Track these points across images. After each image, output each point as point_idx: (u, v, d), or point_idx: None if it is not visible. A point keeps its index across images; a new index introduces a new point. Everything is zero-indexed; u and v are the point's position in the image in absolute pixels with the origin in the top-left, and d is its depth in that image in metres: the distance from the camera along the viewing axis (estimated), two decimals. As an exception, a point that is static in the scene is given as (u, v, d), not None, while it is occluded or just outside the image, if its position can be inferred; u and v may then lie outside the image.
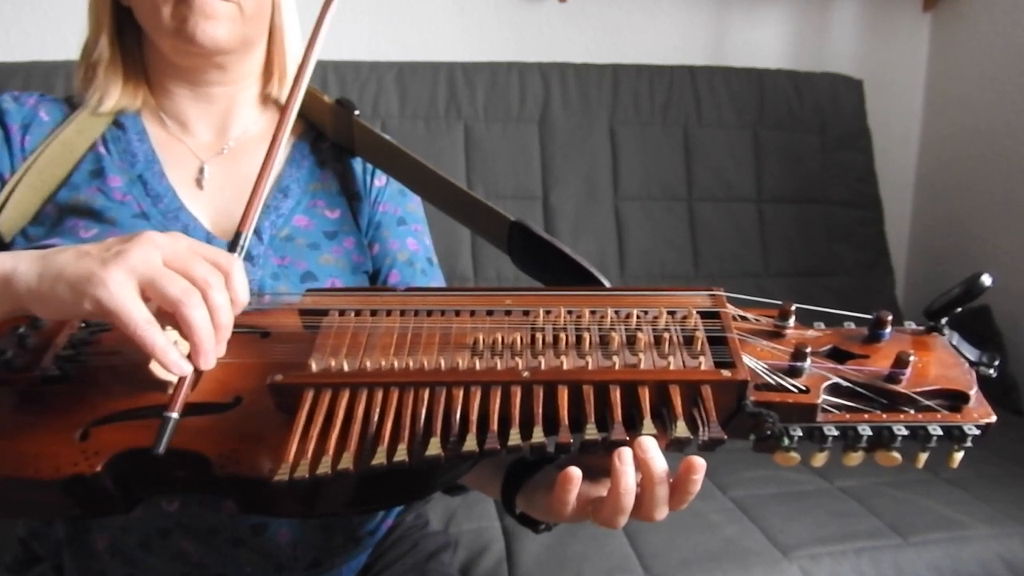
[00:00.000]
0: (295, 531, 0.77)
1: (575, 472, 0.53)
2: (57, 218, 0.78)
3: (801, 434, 0.53)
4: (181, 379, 0.55)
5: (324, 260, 0.83)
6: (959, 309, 0.58)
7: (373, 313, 0.62)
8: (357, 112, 0.89)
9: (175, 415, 0.53)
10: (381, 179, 0.93)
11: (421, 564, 0.91)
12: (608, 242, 1.90)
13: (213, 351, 0.55)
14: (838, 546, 1.16)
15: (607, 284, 0.71)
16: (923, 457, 0.54)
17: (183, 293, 0.52)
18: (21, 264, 0.54)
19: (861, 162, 2.08)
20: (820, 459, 0.54)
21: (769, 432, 0.52)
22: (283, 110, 0.75)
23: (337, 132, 0.91)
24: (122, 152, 0.82)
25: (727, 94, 1.99)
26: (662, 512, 0.55)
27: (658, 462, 0.52)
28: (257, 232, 0.80)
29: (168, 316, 0.53)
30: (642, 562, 1.12)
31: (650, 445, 0.52)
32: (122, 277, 0.51)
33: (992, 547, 1.19)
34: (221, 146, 0.86)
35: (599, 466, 0.57)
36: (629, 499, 0.53)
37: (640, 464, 0.52)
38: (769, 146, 2.01)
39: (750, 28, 2.18)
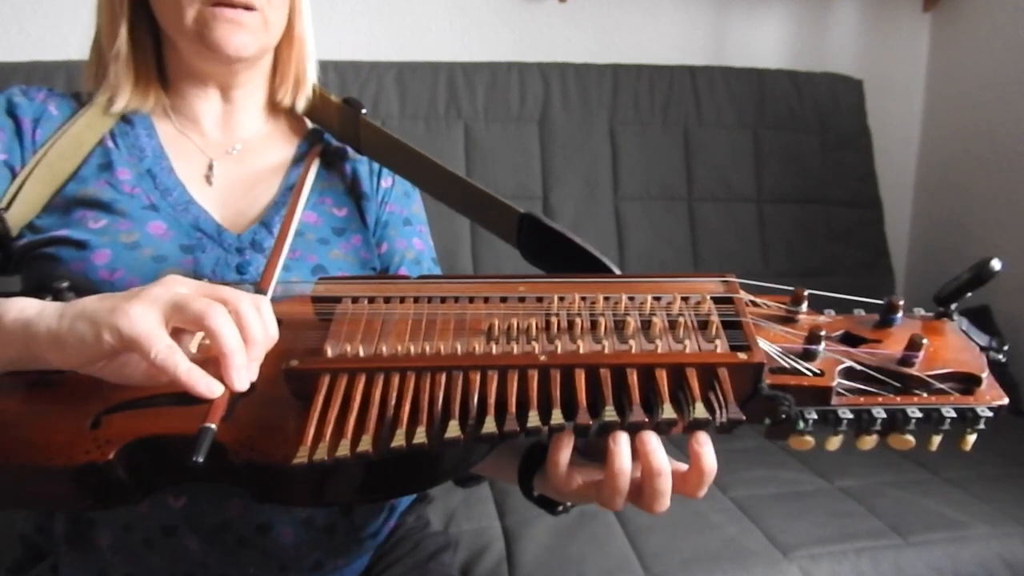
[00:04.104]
0: (299, 532, 0.77)
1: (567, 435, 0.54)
2: (65, 209, 0.77)
3: (816, 417, 0.53)
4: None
5: (334, 255, 0.83)
6: (969, 294, 0.58)
7: (387, 300, 0.62)
8: (364, 111, 0.89)
9: (213, 426, 0.51)
10: (387, 180, 0.93)
11: (422, 564, 0.90)
12: (608, 242, 1.90)
13: (244, 367, 0.53)
14: (838, 546, 1.16)
15: (618, 272, 0.71)
16: (936, 440, 0.54)
17: (207, 305, 0.51)
18: (47, 309, 0.54)
19: (861, 162, 2.08)
20: (835, 443, 0.54)
21: (784, 415, 0.52)
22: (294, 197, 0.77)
23: (343, 131, 0.91)
24: (130, 147, 0.82)
25: (727, 94, 2.00)
26: (662, 504, 0.55)
27: (658, 455, 0.53)
28: (267, 226, 0.81)
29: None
30: (642, 562, 1.12)
31: (651, 439, 0.52)
32: (143, 307, 0.51)
33: (992, 547, 1.19)
34: (229, 146, 0.86)
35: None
36: (623, 480, 0.53)
37: (640, 457, 0.53)
38: (769, 146, 2.01)
39: (750, 28, 2.19)
